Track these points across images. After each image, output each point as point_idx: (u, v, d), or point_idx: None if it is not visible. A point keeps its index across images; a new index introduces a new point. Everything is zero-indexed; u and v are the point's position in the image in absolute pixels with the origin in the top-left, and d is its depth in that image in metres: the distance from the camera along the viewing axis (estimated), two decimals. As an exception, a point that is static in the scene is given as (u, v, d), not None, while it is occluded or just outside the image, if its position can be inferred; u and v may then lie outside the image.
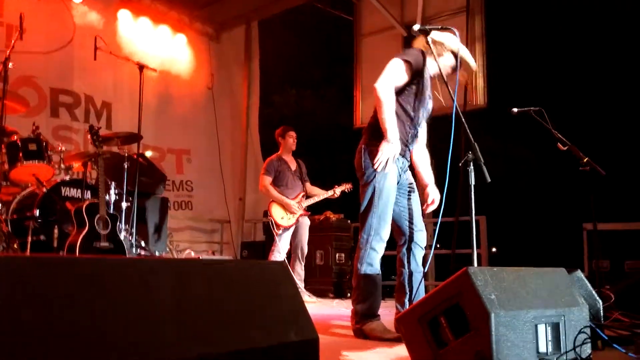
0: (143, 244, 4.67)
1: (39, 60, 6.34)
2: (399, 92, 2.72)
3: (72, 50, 6.70)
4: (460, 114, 2.69)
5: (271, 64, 11.03)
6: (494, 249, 18.06)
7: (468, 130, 2.73)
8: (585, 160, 3.74)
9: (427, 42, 2.58)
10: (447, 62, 2.75)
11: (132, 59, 5.08)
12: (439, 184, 3.20)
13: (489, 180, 2.55)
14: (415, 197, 2.89)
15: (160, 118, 7.53)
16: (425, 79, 2.76)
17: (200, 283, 1.01)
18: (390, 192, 2.68)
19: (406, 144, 2.81)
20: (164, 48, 7.68)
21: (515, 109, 4.43)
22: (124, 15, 7.21)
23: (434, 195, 2.88)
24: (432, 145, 6.77)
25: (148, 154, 7.43)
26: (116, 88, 7.05)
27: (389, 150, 2.57)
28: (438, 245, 7.07)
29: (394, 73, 2.64)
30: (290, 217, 4.94)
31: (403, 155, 2.80)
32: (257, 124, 8.50)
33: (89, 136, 3.67)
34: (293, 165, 5.25)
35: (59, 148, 4.16)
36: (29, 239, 3.56)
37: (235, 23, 8.58)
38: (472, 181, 2.64)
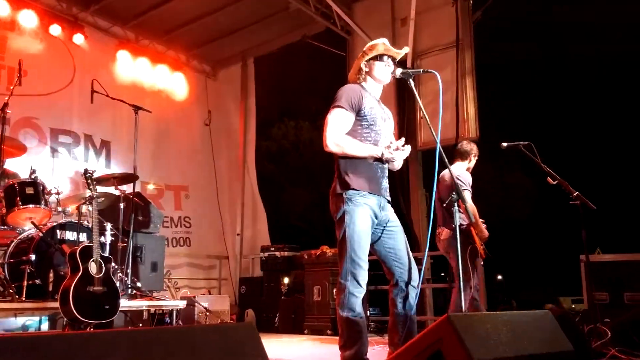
0: (139, 284, 4.67)
1: (40, 102, 6.47)
2: (353, 134, 2.73)
3: (72, 90, 6.83)
4: (444, 155, 2.71)
5: (268, 97, 11.17)
6: (499, 277, 17.87)
7: (452, 172, 2.77)
8: (575, 194, 3.76)
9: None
10: (381, 71, 2.87)
11: (128, 101, 5.16)
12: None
13: (473, 221, 2.58)
14: (400, 234, 2.78)
15: (158, 155, 7.64)
16: (371, 107, 2.78)
17: (160, 354, 1.02)
18: (362, 235, 2.61)
19: (378, 181, 2.74)
20: (162, 87, 7.85)
21: (504, 144, 4.48)
22: (123, 56, 7.40)
23: None
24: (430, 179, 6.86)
25: (150, 187, 7.49)
26: (115, 127, 7.16)
27: (391, 155, 2.63)
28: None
29: (336, 123, 2.70)
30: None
31: (376, 192, 2.71)
32: (254, 159, 8.57)
33: (83, 179, 3.72)
34: None
35: (56, 191, 4.21)
36: (25, 283, 3.58)
37: (231, 61, 8.78)
38: (457, 222, 2.67)
